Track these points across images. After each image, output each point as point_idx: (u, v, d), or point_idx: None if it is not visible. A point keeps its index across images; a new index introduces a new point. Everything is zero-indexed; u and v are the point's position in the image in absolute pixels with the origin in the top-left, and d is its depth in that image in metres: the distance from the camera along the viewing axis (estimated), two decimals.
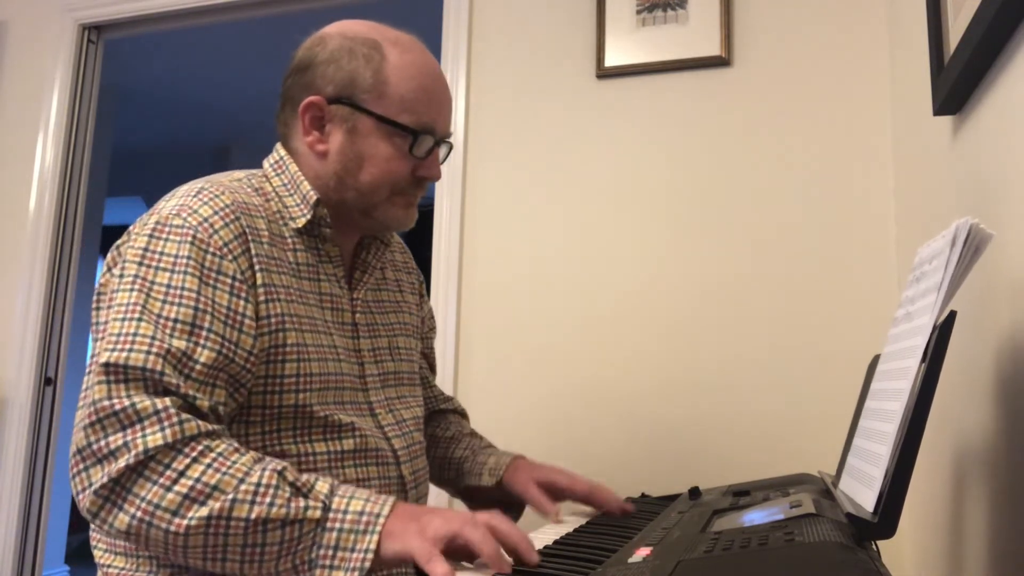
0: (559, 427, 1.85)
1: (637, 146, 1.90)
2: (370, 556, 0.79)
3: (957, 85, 1.01)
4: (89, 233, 3.53)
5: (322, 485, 0.84)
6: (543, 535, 0.97)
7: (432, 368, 1.34)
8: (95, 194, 3.61)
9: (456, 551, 0.80)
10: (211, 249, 0.91)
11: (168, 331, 0.86)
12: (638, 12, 1.92)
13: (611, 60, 1.93)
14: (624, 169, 1.90)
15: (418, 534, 0.79)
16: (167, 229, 0.92)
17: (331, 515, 0.81)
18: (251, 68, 3.81)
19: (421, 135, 1.02)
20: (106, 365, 0.83)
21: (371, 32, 1.03)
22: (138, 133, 4.81)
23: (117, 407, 0.81)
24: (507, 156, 2.00)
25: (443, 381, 1.92)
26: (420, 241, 2.04)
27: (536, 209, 1.95)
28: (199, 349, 0.87)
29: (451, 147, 1.10)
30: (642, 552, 0.74)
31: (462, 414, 1.36)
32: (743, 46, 1.85)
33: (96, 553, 0.96)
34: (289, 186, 1.04)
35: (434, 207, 2.04)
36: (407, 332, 1.18)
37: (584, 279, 1.89)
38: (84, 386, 0.85)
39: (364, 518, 0.81)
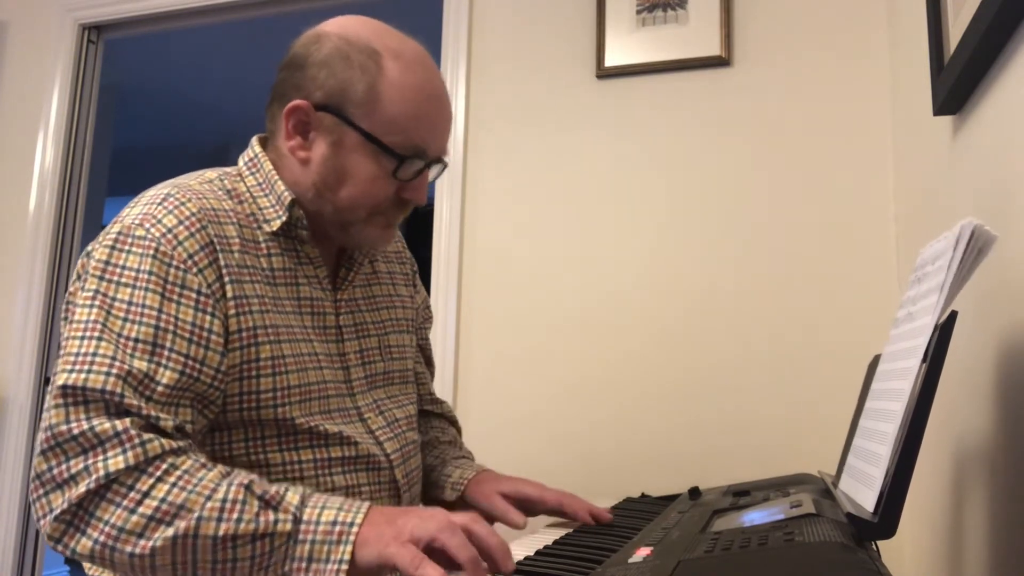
0: (559, 427, 1.85)
1: (637, 146, 1.90)
2: (344, 567, 0.76)
3: (957, 85, 1.01)
4: (89, 233, 3.51)
5: (292, 496, 0.81)
6: (543, 536, 0.97)
7: (428, 361, 1.27)
8: (95, 194, 3.61)
9: (432, 555, 0.76)
10: (175, 262, 0.87)
11: (129, 351, 0.83)
12: (638, 12, 1.92)
13: (611, 60, 1.93)
14: (624, 169, 1.90)
15: (395, 539, 0.76)
16: (129, 241, 0.88)
17: (303, 527, 0.79)
18: (251, 68, 3.80)
19: (408, 159, 0.96)
20: (64, 388, 0.80)
21: (373, 39, 0.96)
22: (138, 133, 4.82)
23: (76, 431, 0.79)
24: (507, 156, 2.00)
25: (443, 381, 1.92)
26: (420, 241, 2.04)
27: (536, 209, 1.95)
28: (160, 370, 0.83)
29: (445, 166, 1.03)
30: (642, 552, 0.74)
31: (450, 420, 1.29)
32: (743, 46, 1.85)
33: (85, 566, 0.94)
34: (263, 186, 0.99)
35: (434, 207, 2.04)
36: (400, 328, 1.13)
37: (584, 279, 1.89)
38: (44, 407, 0.82)
39: (337, 528, 0.78)
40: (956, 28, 1.01)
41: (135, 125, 4.64)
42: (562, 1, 2.01)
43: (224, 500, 0.79)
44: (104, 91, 2.67)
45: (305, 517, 0.79)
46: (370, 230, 1.00)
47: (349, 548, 0.77)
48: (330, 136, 0.96)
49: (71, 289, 0.91)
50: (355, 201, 0.97)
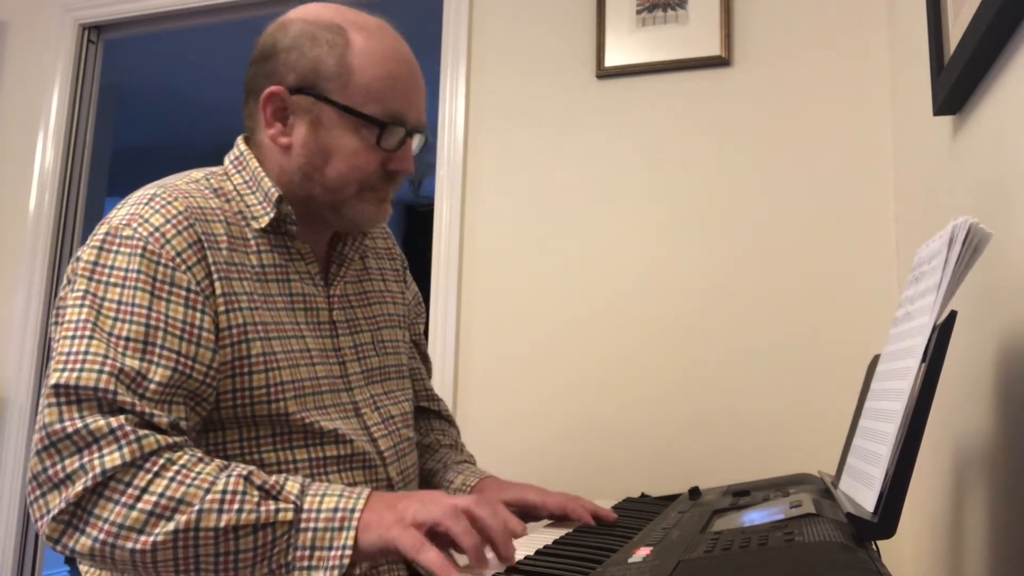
0: (559, 427, 1.85)
1: (637, 146, 1.90)
2: (348, 552, 0.77)
3: (957, 85, 1.01)
4: (89, 233, 3.52)
5: (292, 485, 0.81)
6: (543, 536, 0.97)
7: (424, 357, 1.27)
8: (95, 194, 3.60)
9: (434, 540, 0.77)
10: (163, 260, 0.87)
11: (120, 350, 0.83)
12: (638, 12, 1.92)
13: (611, 60, 1.93)
14: (624, 169, 1.90)
15: (397, 522, 0.77)
16: (117, 241, 0.88)
17: (304, 515, 0.79)
18: None
19: (389, 126, 0.96)
20: (56, 387, 0.80)
21: (335, 16, 0.98)
22: (138, 133, 4.82)
23: (70, 429, 0.78)
24: (507, 156, 2.00)
25: (443, 381, 1.92)
26: (420, 241, 2.04)
27: (536, 209, 1.95)
28: (153, 368, 0.83)
29: (426, 138, 1.03)
30: (642, 552, 0.74)
31: (448, 420, 1.29)
32: (743, 46, 1.85)
33: (82, 568, 0.94)
34: (250, 183, 0.99)
35: (434, 207, 2.04)
36: (392, 323, 1.13)
37: (584, 279, 1.89)
38: (39, 408, 0.82)
39: (339, 514, 0.79)
40: (956, 28, 1.01)
41: (135, 125, 4.64)
42: (562, 1, 2.01)
43: (224, 492, 0.79)
44: (104, 91, 2.66)
45: (306, 505, 0.80)
46: (364, 206, 1.00)
47: (352, 534, 0.78)
48: (308, 116, 0.96)
49: (61, 294, 0.91)
50: (343, 177, 0.97)
